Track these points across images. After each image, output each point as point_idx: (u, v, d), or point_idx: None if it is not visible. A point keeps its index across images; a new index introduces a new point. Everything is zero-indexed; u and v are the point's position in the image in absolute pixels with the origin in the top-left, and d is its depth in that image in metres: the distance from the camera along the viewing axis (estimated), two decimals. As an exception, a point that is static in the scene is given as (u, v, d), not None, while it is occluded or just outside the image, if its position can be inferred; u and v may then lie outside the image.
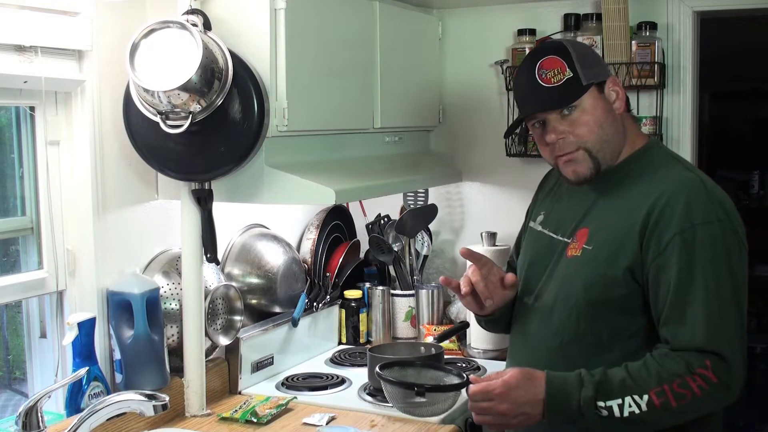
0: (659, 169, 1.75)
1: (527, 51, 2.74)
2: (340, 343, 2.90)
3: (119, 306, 2.06)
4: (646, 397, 1.59)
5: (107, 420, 1.79)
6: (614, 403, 1.59)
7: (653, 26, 2.73)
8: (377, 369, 1.82)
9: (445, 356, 2.43)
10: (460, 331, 2.71)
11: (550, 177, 2.02)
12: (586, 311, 1.72)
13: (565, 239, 1.81)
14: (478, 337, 2.74)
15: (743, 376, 1.65)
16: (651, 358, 1.63)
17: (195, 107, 1.92)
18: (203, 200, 2.11)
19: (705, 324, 1.61)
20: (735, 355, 1.62)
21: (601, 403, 1.60)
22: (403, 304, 2.95)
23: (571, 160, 1.76)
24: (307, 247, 2.83)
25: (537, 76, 1.74)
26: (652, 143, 1.84)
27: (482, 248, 2.80)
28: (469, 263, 1.90)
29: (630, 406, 1.59)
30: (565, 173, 1.79)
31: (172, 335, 2.20)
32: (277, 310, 2.62)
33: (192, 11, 2.01)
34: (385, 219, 3.06)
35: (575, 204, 1.84)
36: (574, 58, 1.73)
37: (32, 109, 2.02)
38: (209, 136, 2.01)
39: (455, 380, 1.79)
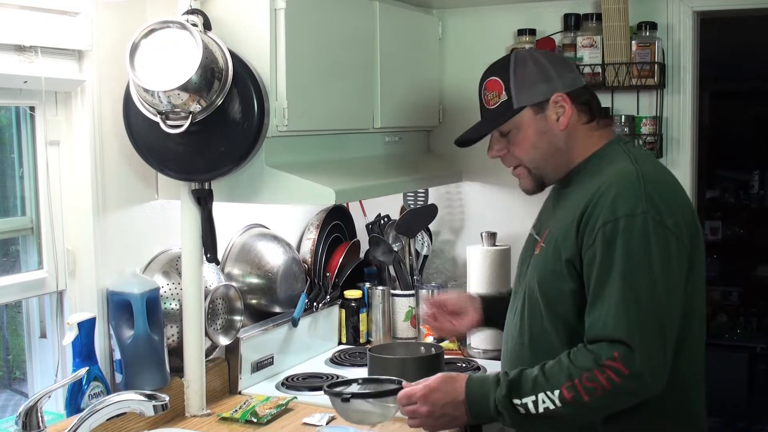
0: (608, 167, 1.77)
1: (527, 51, 2.74)
2: (340, 343, 2.90)
3: (119, 306, 2.06)
4: (557, 392, 1.62)
5: (107, 420, 1.79)
6: (528, 400, 1.64)
7: (653, 26, 2.73)
8: (325, 387, 1.95)
9: (446, 356, 2.43)
10: (460, 331, 2.71)
11: None
12: (545, 308, 1.77)
13: (537, 238, 1.88)
14: (478, 338, 2.74)
15: (660, 368, 1.62)
16: (565, 355, 1.66)
17: (195, 107, 1.92)
18: (203, 200, 2.11)
19: (615, 314, 1.61)
20: (646, 345, 1.60)
21: (516, 401, 1.65)
22: (403, 304, 2.95)
23: (517, 174, 1.89)
24: (307, 247, 2.83)
25: (483, 97, 1.88)
26: (613, 142, 1.85)
27: (482, 248, 2.80)
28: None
29: (543, 402, 1.62)
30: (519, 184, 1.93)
31: (172, 335, 2.20)
32: (277, 310, 2.62)
33: (192, 11, 2.01)
34: (385, 219, 3.06)
35: (548, 206, 1.95)
36: (511, 80, 1.82)
37: (32, 109, 2.02)
38: (209, 136, 2.01)
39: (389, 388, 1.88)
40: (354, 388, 1.96)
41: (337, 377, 2.51)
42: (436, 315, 2.14)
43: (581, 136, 1.84)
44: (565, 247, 1.73)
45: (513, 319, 1.90)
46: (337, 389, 1.94)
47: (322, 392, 2.37)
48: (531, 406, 1.64)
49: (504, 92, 1.82)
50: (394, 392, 1.81)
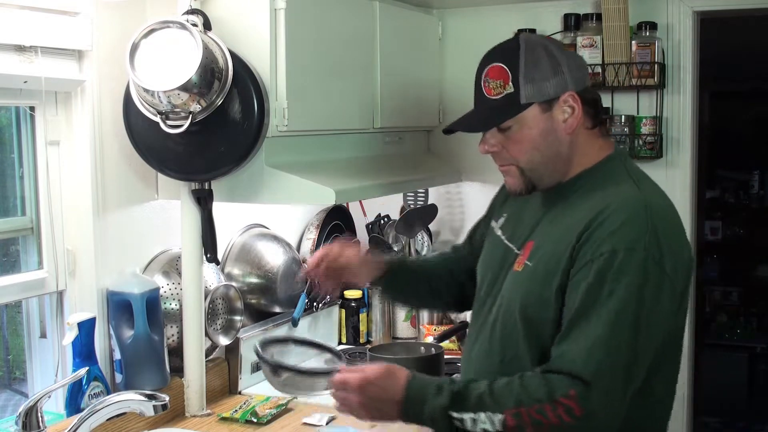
0: (609, 186, 1.62)
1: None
2: (340, 343, 2.91)
3: (119, 306, 2.06)
4: (500, 416, 1.48)
5: (107, 420, 1.79)
6: (467, 417, 1.50)
7: (653, 26, 2.73)
8: (257, 344, 1.82)
9: (445, 356, 2.43)
10: (460, 331, 2.71)
11: None
12: (525, 331, 1.62)
13: (516, 250, 1.71)
14: (478, 337, 2.74)
15: (616, 415, 1.50)
16: (518, 378, 1.52)
17: (195, 107, 1.92)
18: (203, 200, 2.11)
19: (590, 351, 1.47)
20: (610, 390, 1.47)
21: (455, 414, 1.51)
22: (403, 304, 2.95)
23: (505, 172, 1.71)
24: (307, 247, 2.83)
25: (483, 83, 1.67)
26: (613, 157, 1.69)
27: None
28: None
29: (484, 422, 1.49)
30: (505, 182, 1.75)
31: (172, 335, 2.20)
32: (277, 310, 2.62)
33: (192, 11, 2.01)
34: (385, 219, 3.06)
35: (530, 213, 1.75)
36: (520, 70, 1.62)
37: (32, 109, 2.02)
38: (209, 136, 2.01)
39: (330, 365, 1.80)
40: (291, 348, 1.87)
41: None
42: (324, 269, 1.94)
43: (584, 143, 1.67)
44: (557, 271, 1.57)
45: (481, 335, 1.74)
46: (269, 353, 1.82)
47: (326, 390, 2.38)
48: (469, 422, 1.50)
49: (510, 83, 1.62)
50: (329, 373, 1.68)
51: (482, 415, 1.49)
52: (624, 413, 1.51)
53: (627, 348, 1.48)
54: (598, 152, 1.69)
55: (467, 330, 1.90)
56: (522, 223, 1.75)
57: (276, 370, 1.76)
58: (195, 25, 1.96)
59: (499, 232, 1.82)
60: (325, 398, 2.33)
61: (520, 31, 2.88)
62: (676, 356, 1.67)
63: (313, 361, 1.93)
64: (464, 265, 2.01)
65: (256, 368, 2.46)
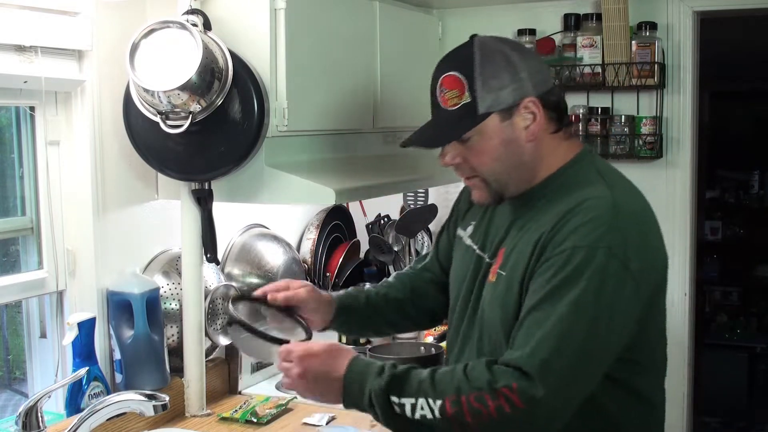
0: (578, 188, 1.56)
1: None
2: (340, 342, 2.90)
3: (119, 306, 2.06)
4: (439, 402, 1.44)
5: (107, 420, 1.79)
6: (407, 402, 1.46)
7: (653, 26, 2.73)
8: (230, 302, 1.77)
9: (445, 356, 2.43)
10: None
11: None
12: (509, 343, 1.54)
13: (489, 260, 1.66)
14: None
15: (558, 417, 1.45)
16: (461, 366, 1.49)
17: (195, 107, 1.92)
18: (203, 200, 2.11)
19: (538, 343, 1.43)
20: (554, 386, 1.41)
21: (394, 398, 1.47)
22: (403, 304, 2.94)
23: (471, 185, 1.66)
24: (307, 247, 2.83)
25: (438, 93, 1.61)
26: (581, 157, 1.63)
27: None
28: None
29: (422, 408, 1.45)
30: (471, 194, 1.70)
31: (172, 335, 2.20)
32: (277, 310, 2.62)
33: (192, 11, 2.00)
34: (385, 219, 3.06)
35: (500, 219, 1.70)
36: (476, 80, 1.56)
37: (32, 109, 2.02)
38: (209, 136, 2.01)
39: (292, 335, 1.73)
40: (263, 311, 1.80)
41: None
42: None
43: (548, 148, 1.61)
44: (524, 275, 1.53)
45: (467, 348, 1.69)
46: (236, 308, 1.75)
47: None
48: (408, 408, 1.46)
49: (467, 92, 1.56)
50: (281, 342, 1.64)
51: (422, 401, 1.46)
52: (582, 414, 1.47)
53: (578, 346, 1.43)
54: (565, 155, 1.63)
55: (446, 340, 1.85)
56: (493, 230, 1.70)
57: (231, 324, 1.72)
58: (195, 25, 1.96)
59: (469, 242, 1.76)
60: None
61: (520, 31, 2.88)
62: (657, 356, 1.63)
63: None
64: (430, 277, 1.97)
65: (256, 368, 2.47)
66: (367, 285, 2.92)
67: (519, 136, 1.58)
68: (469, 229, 1.79)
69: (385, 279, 2.04)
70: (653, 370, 1.63)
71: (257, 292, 1.82)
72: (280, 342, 1.65)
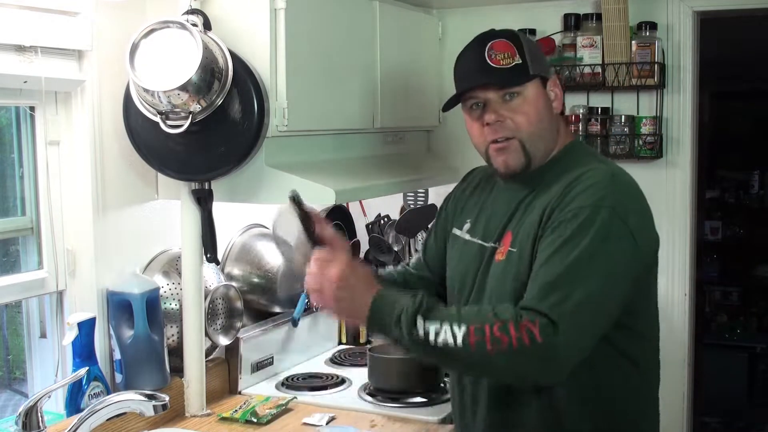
0: (578, 167, 1.70)
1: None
2: (340, 343, 2.90)
3: (119, 306, 2.06)
4: (464, 328, 1.51)
5: (107, 420, 1.79)
6: (432, 327, 1.53)
7: (653, 26, 2.73)
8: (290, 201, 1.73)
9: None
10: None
11: (470, 181, 2.00)
12: None
13: (493, 245, 1.75)
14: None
15: (572, 357, 1.54)
16: (489, 305, 1.63)
17: (195, 107, 1.92)
18: (203, 200, 2.11)
19: (550, 291, 1.53)
20: (569, 327, 1.51)
21: (420, 322, 1.53)
22: (403, 304, 2.94)
23: (504, 148, 1.73)
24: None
25: (486, 56, 1.72)
26: (576, 143, 1.84)
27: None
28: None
29: (445, 333, 1.52)
30: (495, 163, 1.77)
31: (172, 335, 2.20)
32: (277, 310, 2.62)
33: (192, 11, 2.01)
34: (385, 219, 3.06)
35: (499, 208, 1.80)
36: (524, 47, 1.73)
37: (32, 109, 2.02)
38: (209, 136, 2.01)
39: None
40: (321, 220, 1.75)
41: (337, 377, 2.51)
42: None
43: (562, 126, 1.81)
44: (534, 246, 1.64)
45: None
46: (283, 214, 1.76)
47: (326, 390, 2.40)
48: (432, 333, 1.52)
49: (517, 56, 1.71)
50: (319, 243, 1.65)
51: (446, 326, 1.53)
52: (588, 360, 1.56)
53: (588, 293, 1.53)
54: (567, 136, 1.81)
55: None
56: (493, 220, 1.79)
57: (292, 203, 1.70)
58: (195, 25, 1.96)
59: (467, 236, 1.85)
60: (325, 398, 2.35)
61: (520, 31, 2.88)
62: (651, 324, 1.74)
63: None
64: (418, 275, 2.00)
65: (256, 368, 2.47)
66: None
67: (551, 106, 1.77)
68: (466, 226, 1.87)
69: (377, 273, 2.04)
70: (646, 337, 1.73)
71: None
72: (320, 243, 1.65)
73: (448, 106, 1.81)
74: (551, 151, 1.77)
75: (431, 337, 1.53)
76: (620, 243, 1.59)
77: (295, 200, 1.71)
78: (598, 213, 1.58)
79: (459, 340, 1.52)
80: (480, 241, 1.80)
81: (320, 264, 1.63)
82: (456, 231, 1.90)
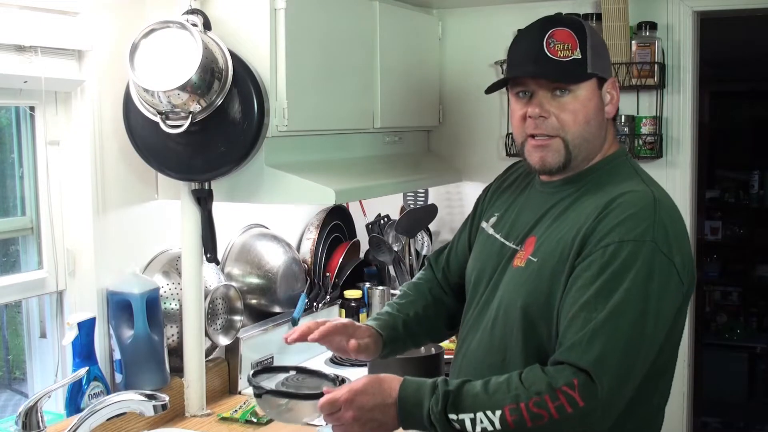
0: (616, 182, 1.61)
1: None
2: (340, 343, 2.90)
3: (119, 306, 2.06)
4: (499, 413, 1.44)
5: (107, 420, 1.79)
6: (466, 417, 1.45)
7: (653, 26, 2.73)
8: (249, 374, 1.73)
9: (445, 356, 2.43)
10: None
11: (510, 174, 1.90)
12: (526, 328, 1.59)
13: (515, 246, 1.68)
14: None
15: (615, 409, 1.46)
16: (516, 374, 1.49)
17: (195, 107, 1.92)
18: (203, 200, 2.11)
19: (590, 339, 1.44)
20: (612, 383, 1.43)
21: (452, 416, 1.46)
22: (403, 304, 2.94)
23: (544, 145, 1.63)
24: (307, 247, 2.83)
25: (545, 43, 1.60)
26: (620, 153, 1.70)
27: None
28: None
29: (482, 422, 1.44)
30: (530, 158, 1.66)
31: (172, 335, 2.20)
32: (277, 310, 2.62)
33: (192, 11, 2.01)
34: (385, 219, 3.06)
35: (529, 209, 1.72)
36: (588, 42, 1.61)
37: (32, 109, 2.02)
38: (209, 136, 2.01)
39: (321, 388, 1.67)
40: (280, 378, 1.77)
41: (337, 377, 2.51)
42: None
43: (611, 132, 1.68)
44: (564, 267, 1.55)
45: (479, 332, 1.70)
46: (261, 378, 1.73)
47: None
48: (468, 423, 1.45)
49: (578, 49, 1.59)
50: (316, 396, 1.59)
51: (480, 414, 1.45)
52: (622, 410, 1.48)
53: (631, 340, 1.45)
54: (612, 145, 1.70)
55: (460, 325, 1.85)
56: (521, 220, 1.72)
57: (260, 396, 1.66)
58: (195, 25, 1.96)
59: (491, 231, 1.78)
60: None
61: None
62: (672, 360, 1.64)
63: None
64: (444, 282, 1.96)
65: (256, 368, 2.46)
66: (367, 285, 2.93)
67: (603, 109, 1.66)
68: (492, 220, 1.81)
69: (403, 290, 1.98)
70: (671, 375, 1.64)
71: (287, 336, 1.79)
72: (318, 396, 1.58)
73: (494, 88, 1.70)
74: (593, 157, 1.66)
75: (468, 427, 1.46)
76: (664, 280, 1.49)
77: (256, 387, 1.68)
78: (641, 249, 1.48)
79: (497, 423, 1.44)
80: (503, 240, 1.73)
81: (331, 417, 1.55)
82: (483, 223, 1.84)
